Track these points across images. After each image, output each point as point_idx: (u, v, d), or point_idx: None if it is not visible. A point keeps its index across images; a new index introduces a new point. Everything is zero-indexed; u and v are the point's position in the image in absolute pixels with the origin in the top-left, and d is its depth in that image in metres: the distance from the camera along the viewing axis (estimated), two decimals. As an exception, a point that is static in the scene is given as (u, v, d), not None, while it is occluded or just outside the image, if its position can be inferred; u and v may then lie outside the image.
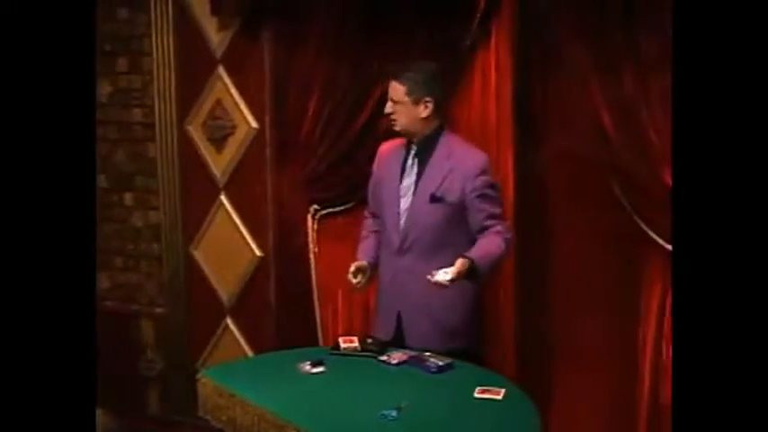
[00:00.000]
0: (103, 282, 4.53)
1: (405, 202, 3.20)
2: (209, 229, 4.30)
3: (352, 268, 3.21)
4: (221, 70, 4.10)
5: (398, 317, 3.22)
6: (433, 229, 3.15)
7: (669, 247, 3.22)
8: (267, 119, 4.02)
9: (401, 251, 3.19)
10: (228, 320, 4.32)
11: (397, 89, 3.14)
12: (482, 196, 3.13)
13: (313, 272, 3.95)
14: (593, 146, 3.24)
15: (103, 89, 4.39)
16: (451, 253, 3.02)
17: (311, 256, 3.94)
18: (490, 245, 3.08)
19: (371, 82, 3.69)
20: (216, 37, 4.07)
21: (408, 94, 3.12)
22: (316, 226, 3.94)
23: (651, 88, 3.15)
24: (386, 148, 3.37)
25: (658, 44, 3.11)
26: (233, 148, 4.14)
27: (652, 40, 3.12)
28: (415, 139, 3.21)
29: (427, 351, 3.02)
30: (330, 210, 3.93)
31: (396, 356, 3.00)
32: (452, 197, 3.13)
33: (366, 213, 3.49)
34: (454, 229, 3.16)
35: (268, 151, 4.03)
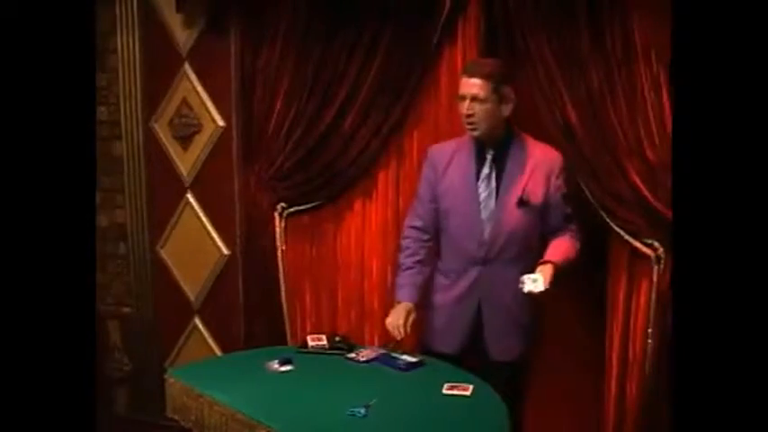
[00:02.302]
0: (69, 282, 4.48)
1: (486, 211, 3.09)
2: (175, 228, 4.28)
3: (400, 319, 3.06)
4: (187, 68, 4.07)
5: (476, 328, 3.14)
6: (519, 235, 3.08)
7: (634, 241, 3.25)
8: (234, 117, 4.00)
9: (485, 263, 3.10)
10: (196, 320, 4.31)
11: (479, 86, 2.98)
12: (563, 196, 3.11)
13: (281, 270, 3.93)
14: (560, 141, 3.26)
15: (68, 87, 4.33)
16: (530, 257, 3.02)
17: (279, 254, 3.92)
18: (568, 248, 3.07)
19: (338, 80, 3.68)
20: (182, 34, 4.05)
21: (495, 90, 2.99)
22: (283, 224, 3.92)
23: (616, 84, 3.17)
24: (440, 151, 3.23)
25: (623, 40, 3.13)
26: (199, 146, 4.12)
27: (617, 37, 3.14)
28: (488, 143, 3.09)
29: (506, 362, 3.06)
30: (297, 208, 3.90)
31: (364, 354, 3.00)
32: (537, 199, 3.07)
33: (410, 228, 3.30)
34: (535, 232, 3.14)
35: (235, 149, 4.01)
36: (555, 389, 3.69)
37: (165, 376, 2.91)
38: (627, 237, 3.27)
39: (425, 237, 3.26)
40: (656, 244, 3.21)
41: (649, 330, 3.25)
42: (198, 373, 2.93)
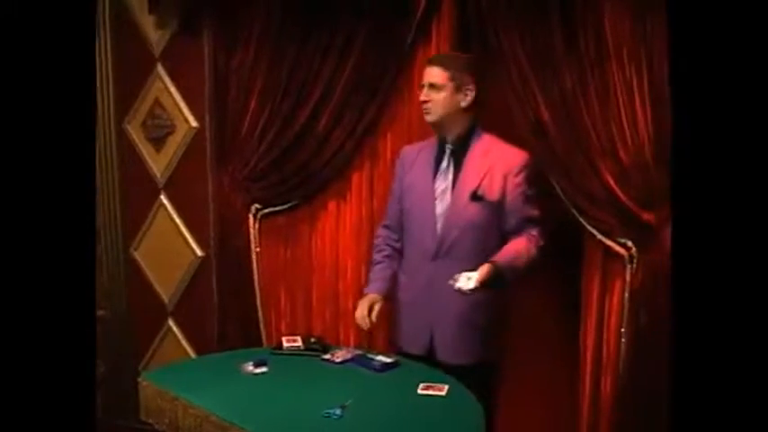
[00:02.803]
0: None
1: (441, 206, 3.09)
2: (149, 229, 4.26)
3: (364, 310, 3.11)
4: (160, 69, 4.05)
5: (432, 328, 3.11)
6: (473, 232, 3.05)
7: (607, 240, 3.27)
8: (207, 118, 3.98)
9: (437, 256, 3.08)
10: (170, 322, 4.29)
11: (438, 74, 3.06)
12: (521, 195, 3.06)
13: (255, 272, 3.92)
14: (532, 140, 3.27)
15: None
16: (486, 257, 2.95)
17: (253, 255, 3.90)
18: (519, 248, 3.00)
19: (312, 81, 3.67)
20: (154, 35, 4.03)
21: (451, 79, 3.05)
22: (257, 225, 3.90)
23: (589, 83, 3.19)
24: (410, 151, 3.29)
25: (596, 40, 3.15)
26: (173, 147, 4.10)
27: (590, 36, 3.16)
28: (449, 138, 3.12)
29: (461, 366, 2.96)
30: (272, 209, 3.89)
31: (339, 355, 3.00)
32: (493, 196, 3.04)
33: (382, 227, 3.39)
34: (493, 231, 3.08)
35: (208, 150, 4.00)
36: (529, 387, 3.70)
37: (139, 379, 2.88)
38: (600, 236, 3.29)
39: (394, 236, 3.31)
40: (630, 243, 3.23)
41: (623, 329, 3.27)
42: (172, 376, 2.90)
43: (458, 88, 3.06)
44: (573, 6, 3.18)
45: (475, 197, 3.03)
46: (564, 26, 3.20)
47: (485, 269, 2.87)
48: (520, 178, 3.05)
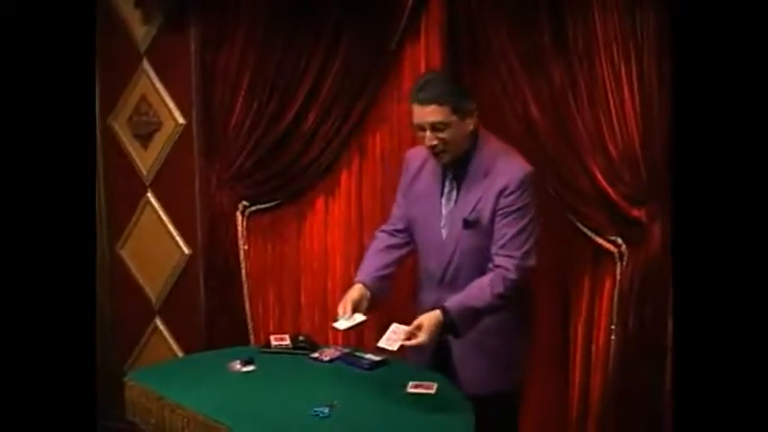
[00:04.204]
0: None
1: (445, 231, 2.86)
2: (135, 227, 4.23)
3: (345, 298, 2.84)
4: (146, 65, 4.02)
5: (444, 349, 2.85)
6: (472, 258, 2.80)
7: (597, 238, 3.27)
8: (194, 114, 3.95)
9: (442, 283, 2.86)
10: (157, 320, 4.26)
11: (437, 112, 2.70)
12: (505, 216, 2.74)
13: (243, 270, 3.90)
14: (523, 139, 3.26)
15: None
16: None
17: (241, 253, 3.88)
18: (474, 292, 2.71)
19: (299, 77, 3.65)
20: (140, 30, 3.99)
21: (454, 111, 2.71)
22: (245, 223, 3.88)
23: (578, 80, 3.18)
24: (416, 156, 2.99)
25: (585, 36, 3.15)
26: (159, 144, 4.07)
27: (579, 32, 3.15)
28: (449, 164, 2.83)
29: (480, 392, 2.69)
30: (259, 206, 3.87)
31: (328, 353, 2.97)
32: (485, 218, 2.77)
33: (384, 227, 3.10)
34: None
35: (195, 147, 3.98)
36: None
37: (125, 379, 2.86)
38: (589, 233, 3.29)
39: (399, 235, 3.06)
40: (619, 240, 3.22)
41: (613, 327, 3.27)
42: (158, 376, 2.87)
43: (463, 117, 2.74)
44: (562, 2, 3.17)
45: (467, 224, 2.80)
46: (553, 22, 3.20)
47: (431, 319, 2.62)
48: (511, 198, 2.74)
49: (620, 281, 3.24)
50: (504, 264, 2.72)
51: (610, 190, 3.17)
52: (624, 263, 3.22)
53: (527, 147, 3.24)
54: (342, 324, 2.76)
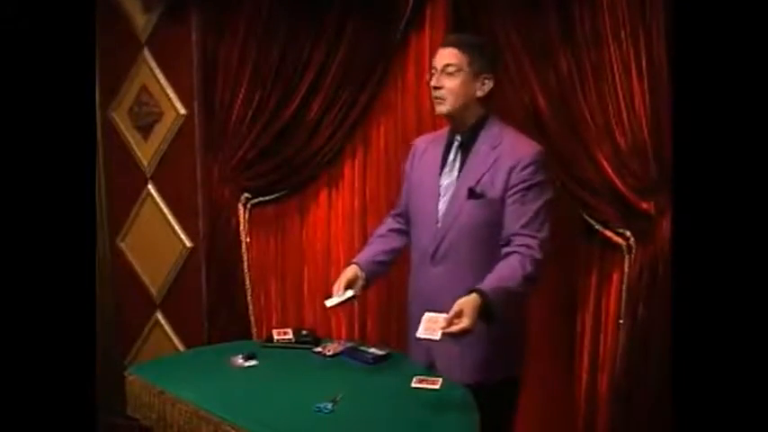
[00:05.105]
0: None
1: (443, 203, 2.75)
2: (136, 220, 4.21)
3: (341, 283, 2.76)
4: (147, 54, 3.99)
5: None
6: (472, 234, 2.68)
7: (605, 230, 3.23)
8: (195, 105, 3.92)
9: (434, 259, 2.74)
10: (158, 314, 4.25)
11: (454, 56, 2.66)
12: (522, 193, 2.62)
13: (245, 263, 3.87)
14: (529, 129, 3.22)
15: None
16: (490, 265, 2.58)
17: (243, 246, 3.86)
18: (506, 273, 2.55)
19: (302, 67, 3.62)
20: (141, 19, 3.96)
21: (470, 63, 2.66)
22: (247, 215, 3.86)
23: (586, 67, 3.14)
24: (421, 142, 2.95)
25: (592, 21, 3.11)
26: (160, 135, 4.04)
27: (586, 18, 3.12)
28: (459, 129, 2.76)
29: (468, 385, 2.57)
30: (262, 198, 3.85)
31: (331, 348, 2.95)
32: (494, 192, 2.64)
33: (391, 214, 3.07)
34: (496, 236, 2.67)
35: (197, 138, 3.95)
36: (525, 376, 3.66)
37: (126, 374, 2.84)
38: (597, 226, 3.26)
39: (394, 225, 3.03)
40: (628, 233, 3.18)
41: (620, 321, 3.23)
42: (159, 370, 2.85)
43: (475, 75, 2.68)
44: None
45: (472, 194, 2.67)
46: (559, 9, 3.16)
47: (470, 304, 2.43)
48: (526, 173, 2.62)
49: (628, 274, 3.21)
50: (530, 243, 2.59)
51: (618, 182, 3.14)
52: (632, 256, 3.19)
53: (533, 137, 3.20)
54: (332, 301, 2.72)
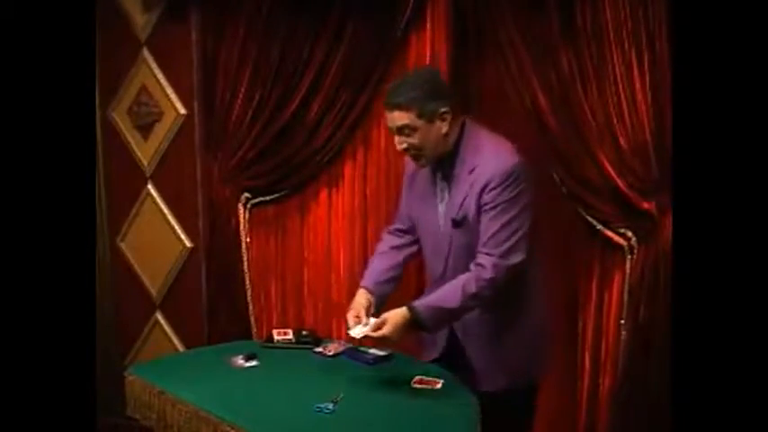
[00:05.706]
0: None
1: (442, 230, 2.80)
2: (136, 220, 4.19)
3: (350, 309, 2.78)
4: (147, 54, 3.97)
5: (456, 346, 2.82)
6: (466, 258, 2.70)
7: (606, 230, 3.22)
8: (195, 105, 3.91)
9: (444, 280, 2.76)
10: (158, 315, 4.23)
11: (404, 117, 2.63)
12: (487, 213, 2.65)
13: (245, 263, 3.87)
14: (530, 128, 3.22)
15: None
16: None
17: (243, 246, 3.85)
18: (447, 292, 2.66)
19: (302, 67, 3.61)
20: (140, 19, 3.95)
21: (420, 115, 2.63)
22: (247, 216, 3.85)
23: (587, 66, 3.13)
24: (409, 164, 2.93)
25: (593, 19, 3.09)
26: (160, 135, 4.03)
27: (587, 16, 3.10)
28: (437, 162, 2.77)
29: (494, 389, 2.70)
30: (262, 199, 3.84)
31: (331, 348, 2.95)
32: (471, 217, 2.70)
33: (390, 228, 3.06)
34: None
35: (197, 138, 3.93)
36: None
37: (125, 374, 2.84)
38: (599, 226, 3.25)
39: (404, 235, 3.02)
40: (629, 233, 3.18)
41: (622, 321, 3.23)
42: (159, 370, 2.86)
43: (431, 121, 2.65)
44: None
45: (455, 224, 2.74)
46: (561, 7, 3.15)
47: (396, 317, 2.61)
48: (494, 193, 2.64)
49: (629, 274, 3.20)
50: (483, 262, 2.64)
51: (619, 181, 3.13)
52: (634, 256, 3.18)
53: (534, 137, 3.20)
54: (358, 331, 2.68)
